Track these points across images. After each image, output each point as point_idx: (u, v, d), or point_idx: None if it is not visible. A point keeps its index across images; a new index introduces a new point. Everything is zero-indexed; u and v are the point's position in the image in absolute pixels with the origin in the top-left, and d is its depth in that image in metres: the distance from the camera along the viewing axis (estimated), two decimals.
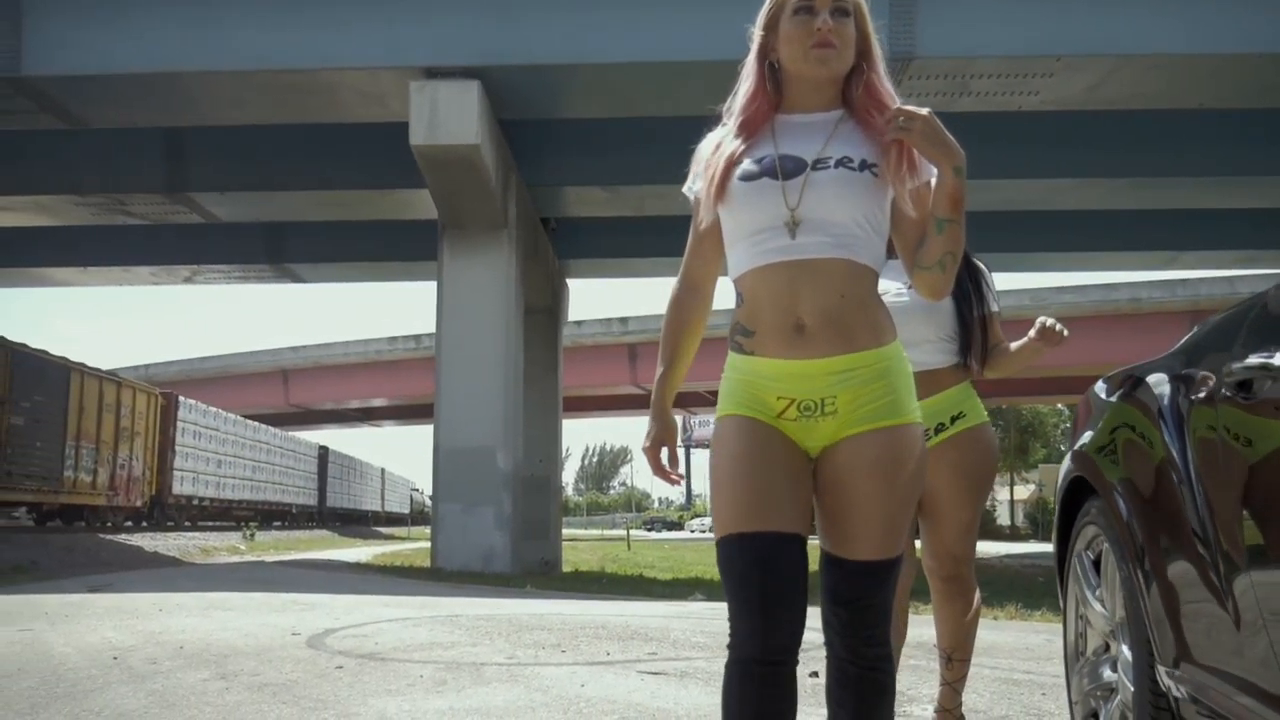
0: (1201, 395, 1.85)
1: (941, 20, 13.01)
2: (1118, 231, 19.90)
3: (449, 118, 13.22)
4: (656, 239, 18.27)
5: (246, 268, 21.98)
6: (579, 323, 34.31)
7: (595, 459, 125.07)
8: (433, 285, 15.57)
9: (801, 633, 1.71)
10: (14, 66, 13.43)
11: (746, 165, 1.78)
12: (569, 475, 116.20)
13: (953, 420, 2.78)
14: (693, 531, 65.11)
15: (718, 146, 1.83)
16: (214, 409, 28.61)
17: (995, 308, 2.91)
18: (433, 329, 15.86)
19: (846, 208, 1.72)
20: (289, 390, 41.12)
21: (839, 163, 1.74)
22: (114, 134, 16.38)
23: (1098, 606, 2.40)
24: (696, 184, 1.87)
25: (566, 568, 17.68)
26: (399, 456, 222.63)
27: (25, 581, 10.41)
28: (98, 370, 21.43)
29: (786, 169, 1.75)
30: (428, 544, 18.02)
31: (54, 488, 19.13)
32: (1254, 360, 1.68)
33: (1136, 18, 12.84)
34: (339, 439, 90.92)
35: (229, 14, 13.24)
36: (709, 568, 15.54)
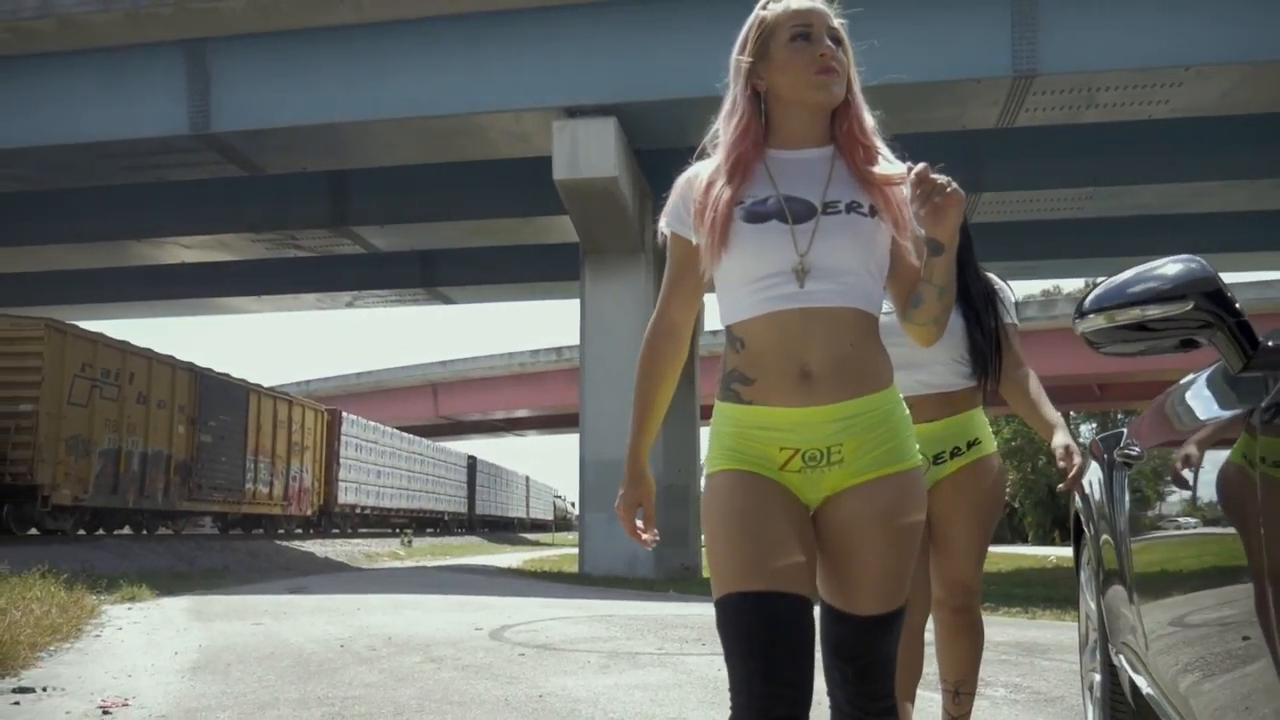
0: (1120, 458, 2.53)
1: (1064, 36, 13.22)
2: (1268, 230, 19.52)
3: (589, 152, 14.20)
4: None
5: (402, 292, 23.65)
6: (714, 332, 35.11)
7: None
8: (573, 301, 16.59)
9: (809, 702, 1.58)
10: (204, 124, 15.09)
11: (750, 207, 1.67)
12: None
13: (969, 446, 2.69)
14: None
15: (710, 185, 1.70)
16: (372, 423, 30.45)
17: (1010, 319, 2.78)
18: (573, 341, 16.95)
19: (859, 255, 1.65)
20: (438, 402, 43.16)
21: (849, 207, 1.66)
22: (286, 178, 18.05)
23: (1088, 608, 3.11)
24: (675, 222, 1.76)
25: (705, 573, 18.43)
26: (542, 465, 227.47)
27: (229, 584, 11.82)
28: (272, 390, 23.33)
29: (795, 212, 1.66)
30: (573, 550, 19.09)
31: (236, 499, 20.96)
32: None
33: (1271, 24, 12.77)
34: (486, 449, 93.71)
35: (386, 69, 14.55)
36: None
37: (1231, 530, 1.41)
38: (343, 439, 27.14)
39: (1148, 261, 1.61)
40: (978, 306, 2.72)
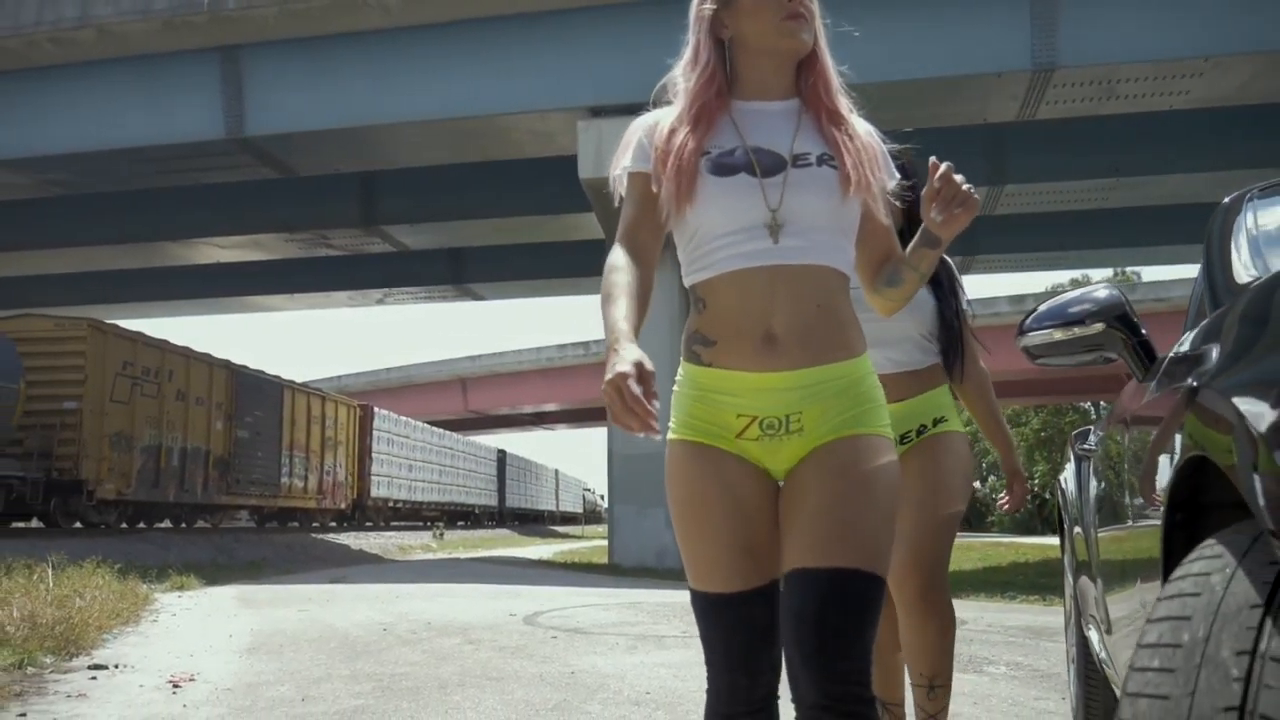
0: (1081, 452, 2.78)
1: (1082, 30, 13.35)
2: None
3: (613, 151, 14.44)
4: None
5: (431, 289, 24.06)
6: None
7: None
8: (599, 296, 16.85)
9: (780, 672, 1.55)
10: (238, 129, 15.51)
11: (717, 158, 1.58)
12: None
13: (934, 423, 2.61)
14: None
15: (672, 133, 1.60)
16: (404, 417, 30.88)
17: (967, 308, 2.74)
18: (599, 336, 17.21)
19: (832, 210, 1.57)
20: (467, 397, 43.62)
21: (821, 160, 1.59)
22: (317, 179, 18.47)
23: (1070, 590, 3.40)
24: (640, 161, 1.63)
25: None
26: (571, 458, 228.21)
27: (270, 575, 12.22)
28: (305, 386, 23.79)
29: (764, 165, 1.57)
30: (602, 542, 19.40)
31: (273, 493, 21.42)
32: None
33: None
34: (515, 443, 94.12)
35: (414, 72, 14.89)
36: None
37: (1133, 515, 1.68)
38: (375, 434, 27.55)
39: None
40: (944, 286, 2.66)
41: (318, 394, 24.19)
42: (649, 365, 1.40)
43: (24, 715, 3.60)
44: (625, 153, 1.67)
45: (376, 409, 28.39)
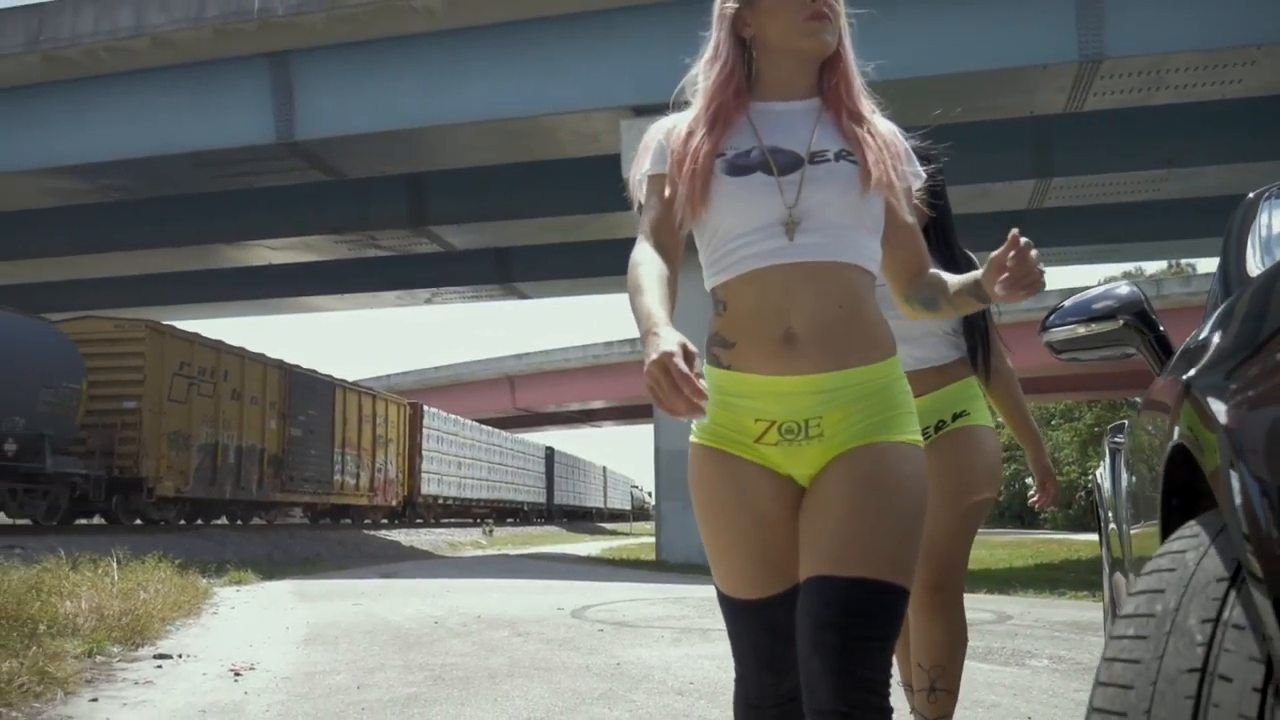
0: (1112, 446, 2.83)
1: (1130, 19, 13.19)
2: None
3: None
4: None
5: (479, 288, 24.32)
6: None
7: None
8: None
9: None
10: (289, 133, 15.82)
11: (732, 159, 1.57)
12: None
13: (954, 418, 2.54)
14: None
15: (689, 135, 1.60)
16: (453, 415, 31.22)
17: (993, 306, 2.70)
18: None
19: (851, 206, 1.54)
20: (515, 395, 43.94)
21: (839, 156, 1.57)
22: (366, 181, 18.77)
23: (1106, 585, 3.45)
24: (659, 164, 1.63)
25: None
26: (618, 455, 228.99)
27: (324, 571, 12.48)
28: (356, 385, 24.17)
29: (780, 163, 1.56)
30: (650, 539, 19.48)
31: (326, 490, 21.80)
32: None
33: None
34: (563, 440, 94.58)
35: (460, 75, 15.09)
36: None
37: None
38: (425, 432, 27.90)
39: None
40: None
41: (369, 393, 24.55)
42: (692, 346, 1.35)
43: (95, 700, 3.77)
44: (644, 156, 1.67)
45: (426, 407, 28.74)
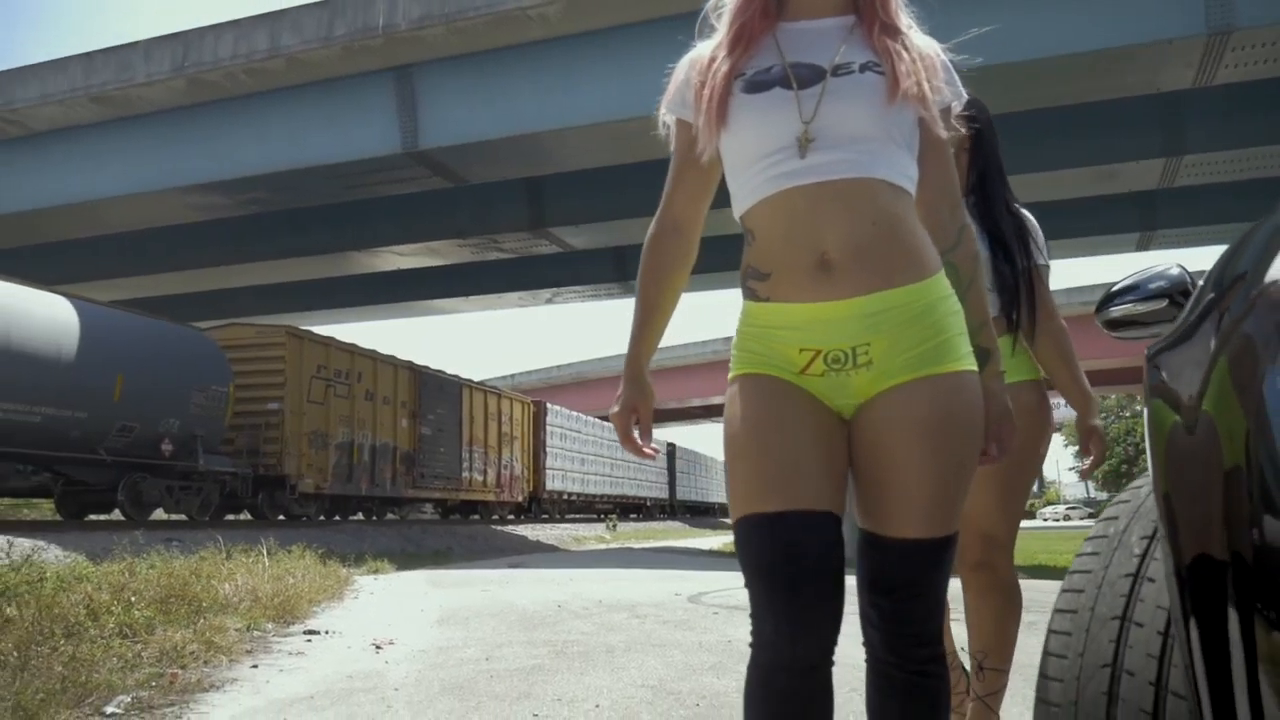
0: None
1: None
2: None
3: None
4: None
5: (598, 287, 24.78)
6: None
7: None
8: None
9: (837, 631, 1.46)
10: (414, 143, 16.49)
11: (752, 77, 1.49)
12: None
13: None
14: (1045, 520, 62.73)
15: (712, 60, 1.53)
16: (575, 413, 31.77)
17: (1042, 260, 2.54)
18: None
19: (878, 118, 1.44)
20: None
21: (865, 67, 1.46)
22: (487, 186, 19.38)
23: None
24: (677, 106, 1.62)
25: None
26: None
27: (455, 562, 13.02)
28: (483, 384, 24.91)
29: (801, 77, 1.46)
30: None
31: (455, 486, 22.54)
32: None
33: None
34: (684, 435, 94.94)
35: (576, 79, 15.49)
36: (1053, 555, 15.90)
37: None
38: (548, 429, 28.49)
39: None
40: (1008, 243, 2.48)
41: (494, 391, 25.25)
42: (647, 405, 1.65)
43: (255, 666, 4.18)
44: (665, 100, 1.63)
45: (549, 405, 29.32)
